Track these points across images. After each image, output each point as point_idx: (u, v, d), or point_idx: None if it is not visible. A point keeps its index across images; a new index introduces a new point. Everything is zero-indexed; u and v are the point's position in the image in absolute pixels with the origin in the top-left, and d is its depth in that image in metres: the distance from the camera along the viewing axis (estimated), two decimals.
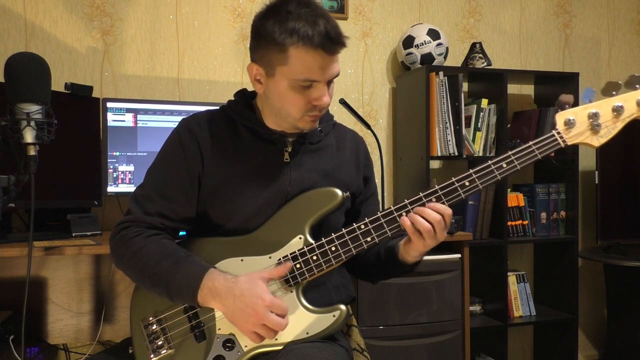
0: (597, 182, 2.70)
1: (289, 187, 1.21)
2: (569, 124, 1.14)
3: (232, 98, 1.29)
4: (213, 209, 1.20)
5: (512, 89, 2.86)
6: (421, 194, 1.13)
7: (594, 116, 1.14)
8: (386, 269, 1.28)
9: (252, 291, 1.06)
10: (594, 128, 1.14)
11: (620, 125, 1.15)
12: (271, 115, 1.22)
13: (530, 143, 1.14)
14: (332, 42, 1.09)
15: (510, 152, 1.14)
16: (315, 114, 1.17)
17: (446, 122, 2.45)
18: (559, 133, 1.14)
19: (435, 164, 2.77)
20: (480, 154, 2.54)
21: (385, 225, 1.13)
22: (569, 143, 1.15)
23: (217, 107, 1.29)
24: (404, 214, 1.12)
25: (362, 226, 1.13)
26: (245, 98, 1.28)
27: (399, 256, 1.21)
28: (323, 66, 1.11)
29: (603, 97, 1.17)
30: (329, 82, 1.16)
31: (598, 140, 1.15)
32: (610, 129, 1.14)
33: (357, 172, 1.32)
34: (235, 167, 1.20)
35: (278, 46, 1.10)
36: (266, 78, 1.16)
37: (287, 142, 1.23)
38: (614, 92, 1.17)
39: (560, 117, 1.15)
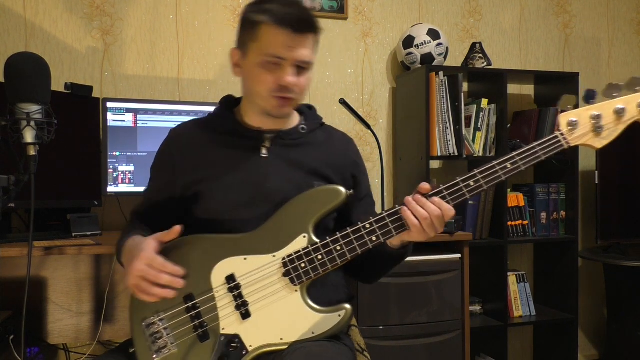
0: (597, 182, 2.70)
1: (266, 181, 1.23)
2: (572, 125, 1.14)
3: None
4: (197, 208, 1.25)
5: (512, 89, 2.86)
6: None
7: (596, 118, 1.14)
8: (377, 259, 1.25)
9: (140, 247, 1.11)
10: (596, 130, 1.14)
11: (621, 127, 1.15)
12: (250, 104, 1.28)
13: (535, 144, 1.14)
14: (301, 23, 1.17)
15: (514, 153, 1.14)
16: (281, 95, 1.21)
17: (446, 122, 2.45)
18: (562, 134, 1.14)
19: (435, 164, 2.77)
20: (480, 154, 2.54)
21: (390, 225, 1.12)
22: (572, 144, 1.15)
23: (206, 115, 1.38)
24: (404, 206, 1.11)
25: (367, 225, 1.13)
26: (227, 102, 1.35)
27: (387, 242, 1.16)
28: (290, 45, 1.17)
29: (604, 98, 1.17)
30: (300, 69, 1.21)
31: (600, 142, 1.15)
32: (612, 131, 1.15)
33: (344, 169, 1.33)
34: (212, 165, 1.25)
35: (251, 24, 1.20)
36: (242, 60, 1.25)
37: (265, 138, 1.27)
38: (615, 94, 1.16)
39: (563, 118, 1.15)
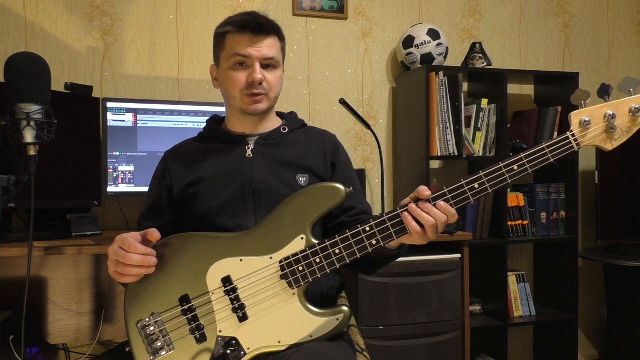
0: (597, 182, 2.70)
1: (252, 176, 1.31)
2: (584, 124, 1.07)
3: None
4: (192, 209, 1.33)
5: (512, 89, 2.86)
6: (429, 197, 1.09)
7: (610, 117, 1.07)
8: (371, 259, 1.24)
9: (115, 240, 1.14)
10: (609, 130, 1.07)
11: (635, 129, 1.07)
12: (231, 109, 1.39)
13: (544, 145, 1.08)
14: (259, 27, 1.31)
15: (522, 154, 1.08)
16: (252, 92, 1.31)
17: (446, 122, 2.45)
18: (573, 135, 1.08)
19: (435, 164, 2.77)
20: (480, 154, 2.54)
21: (391, 228, 1.09)
22: (582, 145, 1.08)
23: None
24: (406, 212, 1.09)
25: (367, 229, 1.10)
26: (214, 119, 1.46)
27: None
28: (250, 44, 1.31)
29: (620, 93, 1.09)
30: (267, 67, 1.33)
31: (611, 144, 1.08)
32: (625, 133, 1.08)
33: (324, 159, 1.39)
34: (203, 170, 1.34)
35: (219, 37, 1.36)
36: (217, 72, 1.39)
37: (249, 141, 1.37)
38: (631, 89, 1.08)
39: (576, 117, 1.08)
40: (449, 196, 1.09)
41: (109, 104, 2.13)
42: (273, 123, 1.42)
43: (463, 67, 2.60)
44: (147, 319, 1.15)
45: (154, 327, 1.15)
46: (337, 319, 1.12)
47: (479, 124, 2.54)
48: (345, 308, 1.13)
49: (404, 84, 2.64)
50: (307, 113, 2.60)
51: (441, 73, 2.48)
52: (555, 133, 2.67)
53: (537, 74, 2.71)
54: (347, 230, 1.12)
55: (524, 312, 2.68)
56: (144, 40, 2.40)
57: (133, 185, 2.14)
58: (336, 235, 1.12)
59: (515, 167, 1.08)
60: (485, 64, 2.60)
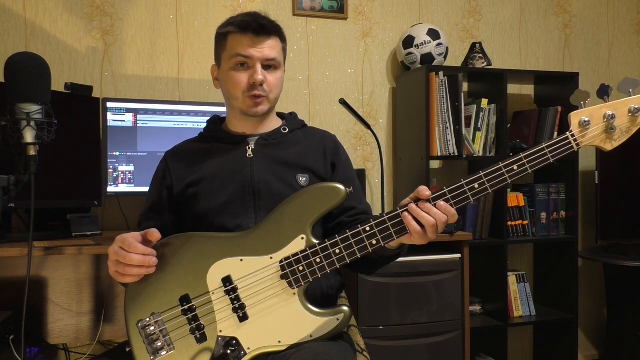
0: (597, 182, 2.70)
1: (253, 176, 1.32)
2: (584, 125, 1.08)
3: None
4: (192, 209, 1.33)
5: (512, 89, 2.86)
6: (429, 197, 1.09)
7: (610, 118, 1.07)
8: (371, 259, 1.24)
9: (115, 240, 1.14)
10: (608, 131, 1.08)
11: (635, 129, 1.08)
12: (232, 110, 1.39)
13: (543, 145, 1.08)
14: (261, 27, 1.31)
15: (522, 155, 1.08)
16: (254, 94, 1.32)
17: (446, 122, 2.45)
18: (573, 135, 1.08)
19: (435, 164, 2.77)
20: (480, 154, 2.54)
21: (391, 228, 1.10)
22: (582, 145, 1.09)
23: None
24: (407, 212, 1.09)
25: (368, 228, 1.10)
26: (214, 120, 1.47)
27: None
28: (252, 45, 1.31)
29: (619, 93, 1.10)
30: (269, 68, 1.33)
31: (611, 144, 1.09)
32: (624, 133, 1.09)
33: (324, 159, 1.39)
34: (203, 170, 1.35)
35: (221, 37, 1.36)
36: (218, 72, 1.39)
37: (249, 141, 1.37)
38: (630, 90, 1.09)
39: (575, 117, 1.08)
40: (449, 196, 1.09)
41: (109, 104, 2.13)
42: (273, 123, 1.42)
43: (463, 67, 2.60)
44: (148, 319, 1.15)
45: (154, 327, 1.15)
46: (337, 319, 1.12)
47: (479, 124, 2.54)
48: (345, 308, 1.14)
49: (404, 84, 2.64)
50: (307, 113, 2.60)
51: (441, 73, 2.48)
52: (555, 133, 2.67)
53: (537, 74, 2.71)
54: (348, 230, 1.12)
55: (524, 312, 2.68)
56: (144, 40, 2.40)
57: (133, 185, 2.14)
58: (336, 235, 1.12)
59: (515, 167, 1.09)
60: (485, 64, 2.60)
